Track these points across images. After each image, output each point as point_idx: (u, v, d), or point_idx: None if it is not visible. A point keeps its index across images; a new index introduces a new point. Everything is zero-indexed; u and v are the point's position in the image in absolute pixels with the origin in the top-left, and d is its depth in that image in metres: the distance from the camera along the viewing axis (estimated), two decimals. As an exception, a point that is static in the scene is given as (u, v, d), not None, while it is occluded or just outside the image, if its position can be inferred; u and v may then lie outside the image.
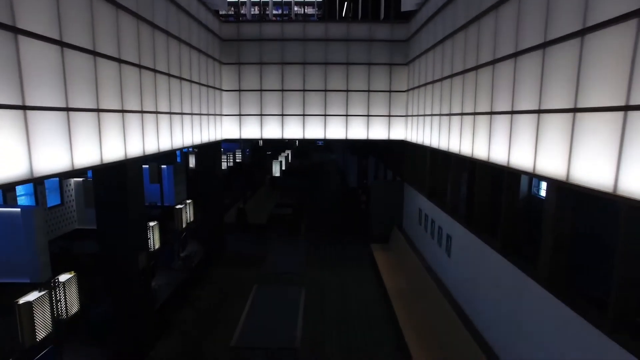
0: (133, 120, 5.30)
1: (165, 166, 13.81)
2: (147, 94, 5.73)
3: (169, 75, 6.52)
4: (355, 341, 6.82)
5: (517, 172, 4.48)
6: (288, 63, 9.90)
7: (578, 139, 3.27)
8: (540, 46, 3.82)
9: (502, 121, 4.67)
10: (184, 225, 9.11)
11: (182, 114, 7.17)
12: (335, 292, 8.70)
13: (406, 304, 7.27)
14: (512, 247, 4.92)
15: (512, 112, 4.41)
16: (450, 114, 6.56)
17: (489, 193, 5.72)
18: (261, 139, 10.62)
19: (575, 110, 3.30)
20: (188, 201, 9.45)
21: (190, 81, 7.60)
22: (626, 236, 2.98)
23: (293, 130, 10.10)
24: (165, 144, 6.44)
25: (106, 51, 4.58)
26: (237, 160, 17.03)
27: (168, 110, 6.53)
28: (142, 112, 5.54)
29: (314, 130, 10.09)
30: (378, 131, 10.14)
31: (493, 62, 4.90)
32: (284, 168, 14.64)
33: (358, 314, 7.74)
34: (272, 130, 10.13)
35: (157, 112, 6.06)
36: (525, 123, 4.12)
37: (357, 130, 10.12)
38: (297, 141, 30.59)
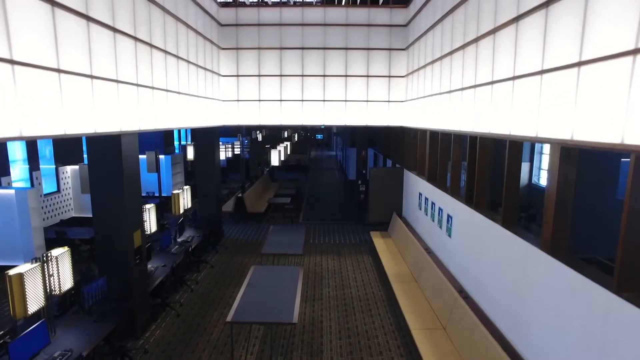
0: (128, 92, 5.20)
1: (163, 156, 13.77)
2: (143, 68, 5.64)
3: (165, 52, 6.42)
4: (354, 322, 6.73)
5: (520, 140, 4.39)
6: (286, 48, 9.81)
7: (583, 93, 3.18)
8: (544, 5, 3.73)
9: (503, 89, 4.58)
10: (181, 211, 9.02)
11: (179, 93, 7.08)
12: (334, 276, 8.62)
13: (407, 287, 7.17)
14: (515, 219, 4.83)
15: (514, 78, 4.32)
16: (450, 91, 6.47)
17: (490, 168, 5.63)
18: (260, 125, 10.52)
19: (580, 64, 3.20)
20: (185, 187, 9.35)
21: (188, 61, 7.51)
22: (633, 190, 2.89)
23: (291, 115, 10.00)
24: (161, 122, 6.34)
25: (99, 17, 4.49)
26: (236, 153, 16.94)
27: (165, 88, 6.43)
28: (137, 85, 5.45)
29: (313, 115, 10.00)
30: (377, 117, 10.05)
31: (494, 31, 4.81)
32: (282, 158, 14.58)
33: (357, 297, 7.65)
34: (270, 116, 10.03)
35: (153, 88, 5.97)
36: (528, 87, 4.03)
37: (356, 116, 10.03)
38: (295, 135, 30.57)
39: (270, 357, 5.75)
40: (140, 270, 6.20)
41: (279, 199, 13.10)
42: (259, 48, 9.83)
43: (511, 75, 4.38)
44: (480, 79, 5.23)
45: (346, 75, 9.89)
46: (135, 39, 5.38)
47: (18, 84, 3.29)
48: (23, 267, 4.46)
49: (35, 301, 4.56)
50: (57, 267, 4.91)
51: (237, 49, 9.84)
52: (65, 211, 10.90)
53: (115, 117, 4.90)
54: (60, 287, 4.98)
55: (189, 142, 17.43)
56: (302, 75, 9.88)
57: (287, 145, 18.29)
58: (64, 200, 10.84)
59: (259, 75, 9.89)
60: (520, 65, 4.18)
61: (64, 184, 10.84)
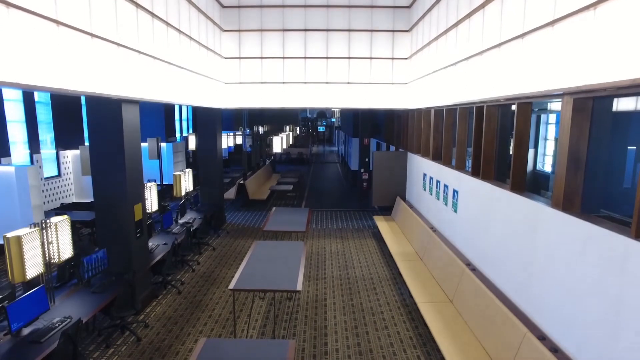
0: (129, 57, 5.11)
1: (164, 144, 13.70)
2: (144, 35, 5.54)
3: (167, 23, 6.33)
4: (358, 299, 6.62)
5: (529, 97, 4.28)
6: (289, 30, 9.72)
7: (599, 34, 3.07)
8: (555, -47, 3.62)
9: (512, 48, 4.47)
10: (182, 193, 8.94)
11: (181, 67, 6.99)
12: (337, 257, 8.51)
13: (412, 265, 7.06)
14: (524, 184, 4.72)
15: (523, 35, 4.21)
16: (455, 63, 6.36)
17: (497, 135, 5.51)
18: (262, 108, 10.42)
19: (595, 4, 3.09)
20: (187, 169, 9.26)
21: (190, 37, 7.42)
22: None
23: (294, 98, 9.90)
24: (163, 94, 6.25)
25: (100, -24, 4.40)
26: (238, 143, 16.85)
27: (167, 60, 6.34)
28: (138, 52, 5.35)
29: (315, 98, 9.90)
30: (380, 100, 9.95)
31: (502, -8, 4.71)
32: (285, 146, 14.48)
33: (361, 276, 7.54)
34: (273, 98, 9.94)
35: (154, 57, 5.87)
36: (538, 40, 3.92)
37: (359, 99, 9.92)
38: (297, 129, 30.48)
39: (273, 331, 5.65)
40: (141, 244, 6.11)
41: (281, 186, 13.00)
42: (261, 30, 9.73)
43: (520, 32, 4.27)
44: (487, 44, 5.11)
45: (349, 57, 9.79)
46: (137, 4, 5.29)
47: (14, 27, 3.20)
48: (21, 231, 4.37)
49: (33, 266, 4.46)
50: (57, 234, 4.81)
51: (239, 30, 9.75)
52: (66, 196, 10.82)
53: (115, 81, 4.81)
54: (59, 256, 4.88)
55: (190, 132, 17.36)
56: (305, 58, 9.78)
57: (289, 133, 18.19)
58: (65, 185, 10.76)
59: (262, 58, 9.80)
60: (530, 20, 4.07)
61: (65, 168, 10.76)
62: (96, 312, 4.81)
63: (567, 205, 3.71)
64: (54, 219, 4.84)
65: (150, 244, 6.97)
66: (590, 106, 3.62)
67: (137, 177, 5.94)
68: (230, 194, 12.63)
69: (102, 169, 5.61)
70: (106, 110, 5.40)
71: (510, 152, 5.06)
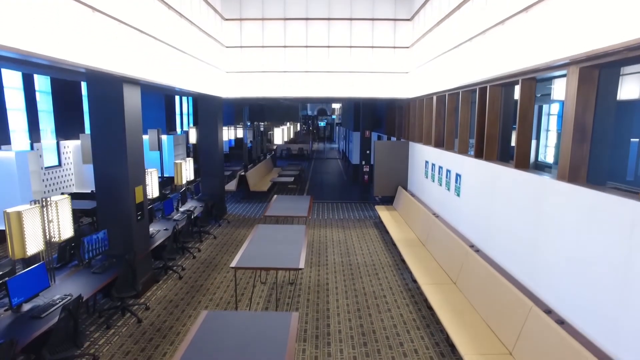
0: (130, 36, 5.07)
1: (165, 136, 13.66)
2: (145, 15, 5.50)
3: (168, 5, 6.29)
4: (361, 284, 6.58)
5: (534, 71, 4.24)
6: (290, 19, 9.68)
7: (605, -2, 3.03)
8: None
9: (516, 22, 4.43)
10: (184, 181, 8.90)
11: (183, 52, 6.95)
12: (339, 245, 8.47)
13: (415, 250, 7.01)
14: (528, 161, 4.68)
15: (527, 8, 4.17)
16: (458, 45, 6.32)
17: (500, 117, 5.48)
18: (263, 97, 10.38)
19: (602, -33, 3.06)
20: (188, 158, 9.22)
21: (191, 22, 7.38)
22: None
23: (295, 87, 9.87)
24: (164, 77, 6.21)
25: (101, -50, 4.36)
26: (239, 137, 16.81)
27: (169, 43, 6.30)
28: (140, 31, 5.31)
29: (317, 87, 9.87)
30: (382, 89, 9.91)
31: (507, -32, 4.67)
32: (286, 138, 14.44)
33: (363, 262, 7.50)
34: (274, 88, 9.90)
35: (155, 39, 5.83)
36: (543, 11, 3.88)
37: (361, 88, 9.89)
38: (298, 125, 30.46)
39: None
40: (142, 227, 6.07)
41: (282, 178, 12.97)
42: (262, 19, 9.70)
43: (525, 6, 4.23)
44: (491, 22, 5.07)
45: (351, 46, 9.75)
46: (137, -17, 5.26)
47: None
48: (22, 207, 4.33)
49: (34, 243, 4.41)
50: (57, 213, 4.77)
51: (240, 19, 9.71)
52: (67, 186, 10.78)
53: (117, 58, 4.77)
54: (59, 234, 4.84)
55: (191, 126, 17.31)
56: (306, 46, 9.74)
57: (290, 127, 18.16)
58: (66, 175, 10.73)
59: (263, 47, 9.76)
60: (536, -7, 4.04)
61: (65, 158, 10.72)
62: (97, 290, 4.78)
63: (572, 176, 3.67)
64: (55, 197, 4.80)
65: (151, 229, 6.93)
66: (597, 76, 3.58)
67: (138, 159, 5.90)
68: (232, 185, 12.59)
69: (103, 150, 5.57)
70: (108, 90, 5.36)
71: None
